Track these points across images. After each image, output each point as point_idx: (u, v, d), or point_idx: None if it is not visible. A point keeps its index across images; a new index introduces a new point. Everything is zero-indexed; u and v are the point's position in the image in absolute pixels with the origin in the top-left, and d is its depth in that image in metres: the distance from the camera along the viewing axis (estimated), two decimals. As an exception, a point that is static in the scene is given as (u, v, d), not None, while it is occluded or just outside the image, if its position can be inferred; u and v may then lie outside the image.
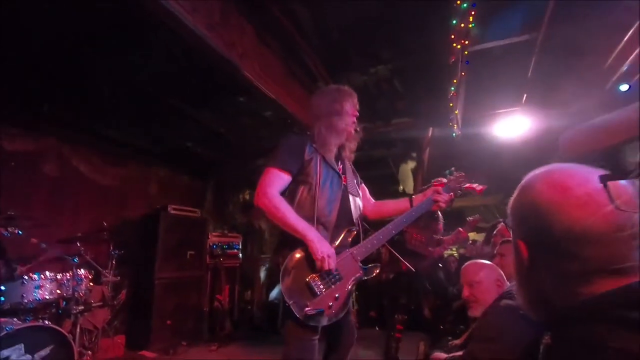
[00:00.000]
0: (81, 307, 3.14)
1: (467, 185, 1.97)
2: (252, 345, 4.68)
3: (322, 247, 1.54)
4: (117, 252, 3.86)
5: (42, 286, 2.85)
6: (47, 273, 2.94)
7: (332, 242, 1.65)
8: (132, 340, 4.09)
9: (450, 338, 3.93)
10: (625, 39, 3.23)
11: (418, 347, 4.12)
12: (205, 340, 4.60)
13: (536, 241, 0.69)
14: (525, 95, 4.38)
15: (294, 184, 1.70)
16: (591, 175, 0.66)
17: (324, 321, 1.55)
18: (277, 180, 1.65)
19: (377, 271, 1.71)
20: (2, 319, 2.51)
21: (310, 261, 1.56)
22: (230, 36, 2.88)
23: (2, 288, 2.70)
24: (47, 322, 2.68)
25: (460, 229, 3.74)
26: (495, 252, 2.39)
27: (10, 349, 2.30)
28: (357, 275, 1.66)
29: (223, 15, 2.78)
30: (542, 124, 4.54)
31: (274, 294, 6.01)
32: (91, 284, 3.35)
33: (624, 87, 3.60)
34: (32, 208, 3.69)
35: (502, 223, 2.94)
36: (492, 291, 1.70)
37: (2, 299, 2.69)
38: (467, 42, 3.16)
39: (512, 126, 4.74)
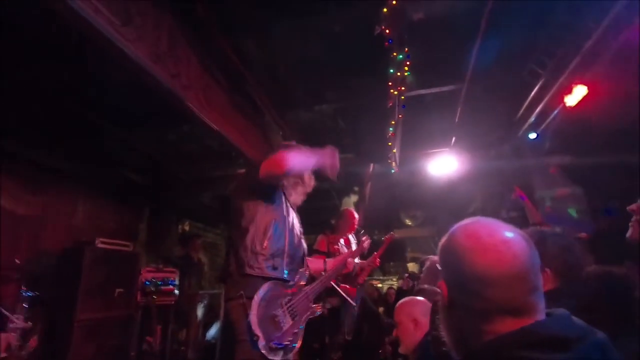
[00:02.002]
0: (-22, 361, 2.69)
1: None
2: (185, 392, 4.30)
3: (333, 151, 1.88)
4: (29, 292, 3.41)
5: None
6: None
7: (292, 278, 1.79)
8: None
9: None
10: (532, 94, 3.77)
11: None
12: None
13: (452, 282, 0.79)
14: (453, 138, 4.85)
15: (266, 214, 1.77)
16: (502, 228, 0.78)
17: (280, 355, 1.60)
18: (293, 149, 1.86)
19: (319, 311, 1.88)
20: None
21: (276, 297, 1.65)
22: (176, 66, 2.85)
23: None
24: None
25: (375, 253, 3.89)
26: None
27: None
28: (309, 312, 1.80)
29: (170, 45, 2.76)
30: (468, 164, 5.03)
31: (211, 332, 5.66)
32: (-6, 331, 2.90)
33: (532, 136, 4.16)
34: None
35: (429, 260, 3.15)
36: (410, 331, 1.77)
37: None
38: (403, 89, 3.46)
39: (443, 165, 5.20)
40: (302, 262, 1.92)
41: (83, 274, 3.86)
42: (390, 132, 4.08)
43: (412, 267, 8.24)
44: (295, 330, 1.69)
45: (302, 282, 1.86)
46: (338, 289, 3.29)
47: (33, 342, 3.54)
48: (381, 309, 5.01)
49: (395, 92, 3.42)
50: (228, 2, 2.77)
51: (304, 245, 1.99)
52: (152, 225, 5.69)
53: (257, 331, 1.54)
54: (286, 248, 1.76)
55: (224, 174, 5.48)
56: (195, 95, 3.14)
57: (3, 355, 3.04)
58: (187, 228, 6.34)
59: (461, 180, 5.29)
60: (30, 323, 3.40)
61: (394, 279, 7.88)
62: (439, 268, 0.86)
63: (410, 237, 8.99)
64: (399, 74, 3.25)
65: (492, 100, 4.14)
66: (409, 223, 8.37)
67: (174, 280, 5.02)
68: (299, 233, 1.93)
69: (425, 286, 2.17)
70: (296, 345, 1.69)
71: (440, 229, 7.58)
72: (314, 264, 2.15)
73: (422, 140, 4.92)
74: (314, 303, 1.88)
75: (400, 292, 4.83)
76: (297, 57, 3.41)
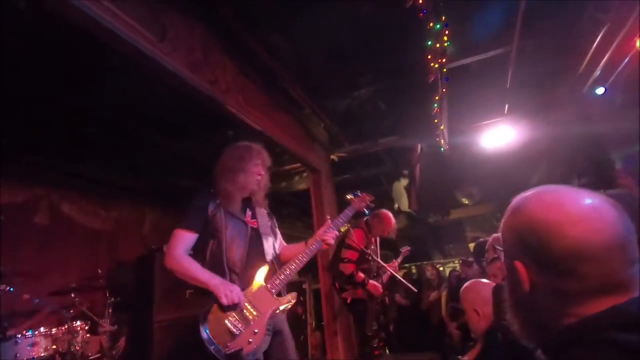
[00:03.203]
0: (78, 361, 3.02)
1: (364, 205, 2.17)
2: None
3: (224, 287, 1.67)
4: (113, 299, 3.76)
5: (36, 343, 2.76)
6: (41, 329, 2.84)
7: (246, 283, 1.79)
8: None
9: (459, 357, 3.86)
10: (595, 44, 3.35)
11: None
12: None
13: (535, 262, 0.69)
14: (507, 106, 4.49)
15: (203, 240, 1.84)
16: (584, 195, 0.69)
17: (249, 357, 1.65)
18: (181, 240, 1.80)
19: (293, 300, 1.86)
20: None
21: (226, 307, 1.67)
22: (213, 73, 2.93)
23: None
24: (42, 381, 2.58)
25: (394, 261, 3.79)
26: (489, 273, 2.38)
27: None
28: (274, 307, 1.78)
29: (204, 53, 2.83)
30: (526, 132, 4.63)
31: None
32: (88, 335, 3.24)
33: (600, 91, 3.71)
34: (23, 261, 3.61)
35: (489, 240, 2.94)
36: (474, 319, 1.71)
37: (-5, 360, 2.59)
38: (444, 60, 3.25)
39: (498, 136, 4.83)
40: (263, 261, 1.88)
41: (156, 278, 4.16)
42: (435, 108, 3.87)
43: (473, 247, 7.87)
44: (256, 330, 1.69)
45: (260, 280, 1.83)
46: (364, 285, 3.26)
47: (122, 343, 3.91)
48: (444, 293, 4.83)
49: (436, 65, 3.21)
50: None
51: (269, 243, 1.96)
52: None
53: (209, 344, 1.62)
54: (225, 263, 1.78)
55: (272, 172, 5.58)
56: (235, 98, 3.21)
57: (97, 355, 3.39)
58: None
59: (520, 150, 4.89)
60: (116, 326, 3.74)
61: (456, 261, 7.56)
62: (499, 248, 0.78)
63: (469, 216, 8.57)
64: (437, 45, 3.05)
65: (547, 59, 3.75)
66: (466, 202, 7.96)
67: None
68: (249, 238, 1.88)
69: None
70: (259, 343, 1.69)
71: (500, 205, 7.13)
72: (293, 249, 2.07)
73: (471, 112, 4.61)
74: (283, 294, 1.86)
75: (460, 279, 4.62)
76: (327, 45, 3.34)
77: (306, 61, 3.49)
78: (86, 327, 3.18)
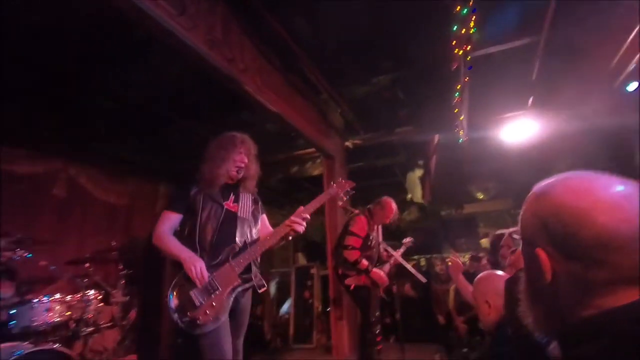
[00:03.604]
0: (91, 329, 3.12)
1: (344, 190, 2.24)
2: (264, 362, 4.59)
3: (192, 261, 1.82)
4: (125, 271, 3.85)
5: (51, 309, 2.84)
6: (57, 295, 2.93)
7: (212, 259, 1.90)
8: (144, 360, 4.05)
9: (466, 350, 3.85)
10: (630, 38, 3.18)
11: (433, 357, 4.04)
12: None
13: (560, 249, 0.65)
14: (531, 98, 4.33)
15: (184, 220, 2.00)
16: (614, 181, 0.65)
17: (208, 327, 1.78)
18: (166, 220, 1.99)
19: (255, 279, 1.96)
20: (12, 343, 2.50)
21: (192, 280, 1.81)
22: (231, 52, 2.90)
23: (12, 312, 2.70)
24: (57, 344, 2.67)
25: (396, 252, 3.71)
26: (506, 264, 2.32)
27: (20, 373, 2.28)
28: (236, 283, 1.89)
29: (224, 31, 2.81)
30: (550, 127, 4.47)
31: (284, 308, 5.95)
32: (101, 304, 3.33)
33: (633, 86, 3.53)
34: (41, 230, 3.72)
35: (506, 234, 2.87)
36: (485, 311, 1.68)
37: (12, 322, 2.69)
38: (468, 48, 3.14)
39: (519, 130, 4.68)
40: (233, 242, 1.97)
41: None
42: (456, 98, 3.76)
43: (485, 243, 7.76)
44: (214, 303, 1.80)
45: (227, 258, 1.93)
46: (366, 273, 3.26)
47: (133, 314, 4.02)
48: (452, 287, 4.78)
49: (460, 52, 3.11)
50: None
51: (244, 227, 2.05)
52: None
53: (174, 313, 1.78)
54: (197, 239, 1.92)
55: (286, 157, 5.58)
56: (252, 78, 3.18)
57: (109, 324, 3.49)
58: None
59: (542, 146, 4.74)
60: (128, 298, 3.85)
61: (466, 256, 7.48)
62: (517, 237, 0.74)
63: (483, 212, 8.42)
64: (463, 31, 2.94)
65: (577, 50, 3.59)
66: (481, 197, 7.82)
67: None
68: (222, 219, 1.99)
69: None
70: (216, 314, 1.80)
71: (516, 202, 6.97)
72: (268, 234, 2.15)
73: (494, 103, 4.47)
74: (247, 272, 1.94)
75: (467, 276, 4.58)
76: (348, 30, 3.25)
77: (326, 46, 3.42)
78: (99, 297, 3.26)
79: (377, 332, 3.27)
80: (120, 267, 3.86)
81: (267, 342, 5.32)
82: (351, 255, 3.22)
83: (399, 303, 3.93)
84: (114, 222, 4.52)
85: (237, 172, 2.08)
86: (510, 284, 1.53)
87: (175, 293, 1.83)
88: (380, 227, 3.64)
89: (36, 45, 2.82)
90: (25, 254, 2.78)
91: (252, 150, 2.16)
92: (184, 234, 1.98)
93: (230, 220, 2.01)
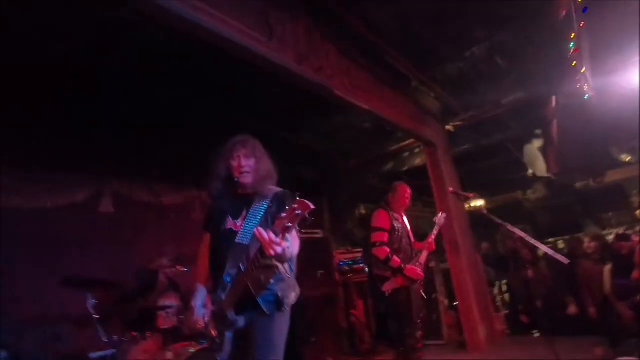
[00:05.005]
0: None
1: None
2: (395, 359, 4.58)
3: (191, 317, 1.71)
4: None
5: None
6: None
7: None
8: (285, 358, 4.43)
9: (636, 340, 3.21)
10: None
11: (593, 352, 3.45)
12: (347, 355, 4.70)
13: None
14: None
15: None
16: None
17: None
18: (203, 238, 1.90)
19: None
20: (184, 343, 3.02)
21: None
22: (318, 60, 3.03)
23: (181, 317, 3.27)
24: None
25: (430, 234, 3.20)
26: None
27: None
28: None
29: (308, 42, 2.95)
30: None
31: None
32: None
33: None
34: (188, 249, 4.42)
35: None
36: None
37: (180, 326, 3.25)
38: (577, -13, 2.70)
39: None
40: (223, 268, 1.67)
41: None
42: (572, 49, 3.23)
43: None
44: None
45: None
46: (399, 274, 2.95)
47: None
48: (607, 267, 4.04)
49: (568, -5, 2.69)
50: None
51: (245, 245, 1.68)
52: (333, 213, 6.30)
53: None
54: (211, 262, 1.78)
55: (384, 152, 5.55)
56: (340, 81, 3.27)
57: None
58: (363, 211, 6.72)
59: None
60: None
61: (621, 230, 6.23)
62: None
63: (632, 177, 6.94)
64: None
65: None
66: (626, 159, 6.45)
67: (362, 260, 5.41)
68: (227, 237, 1.71)
69: None
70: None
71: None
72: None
73: (621, 45, 3.69)
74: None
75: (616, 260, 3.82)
76: (430, 6, 3.10)
77: (408, 29, 3.32)
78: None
79: (419, 337, 2.97)
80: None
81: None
82: (380, 252, 3.01)
83: (538, 291, 3.51)
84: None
85: (243, 178, 1.79)
86: None
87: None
88: (405, 216, 3.33)
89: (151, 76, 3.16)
90: (183, 269, 3.34)
91: (253, 150, 1.86)
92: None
93: (229, 245, 1.69)
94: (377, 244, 3.06)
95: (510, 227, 3.20)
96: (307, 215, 1.38)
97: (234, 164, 1.81)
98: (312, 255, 4.87)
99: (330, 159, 5.25)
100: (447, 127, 5.02)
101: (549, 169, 5.87)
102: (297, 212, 1.38)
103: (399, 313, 3.05)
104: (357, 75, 3.52)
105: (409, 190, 3.32)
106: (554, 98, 4.48)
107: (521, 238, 3.20)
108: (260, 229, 1.45)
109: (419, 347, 2.99)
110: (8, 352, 2.88)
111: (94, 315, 2.86)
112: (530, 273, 3.40)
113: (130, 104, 3.25)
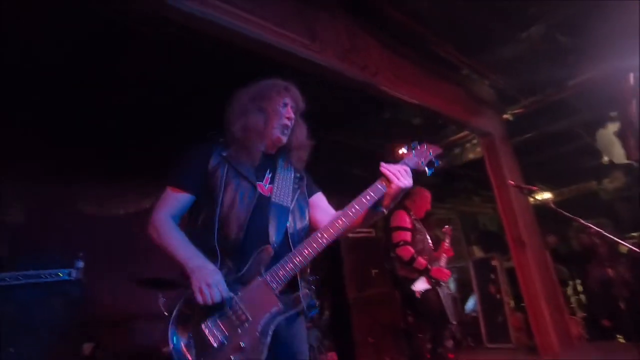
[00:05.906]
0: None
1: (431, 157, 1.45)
2: (458, 361, 4.38)
3: (202, 275, 1.20)
4: (314, 276, 4.35)
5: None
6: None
7: (236, 269, 1.28)
8: (343, 358, 4.44)
9: None
10: None
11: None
12: (408, 357, 4.58)
13: None
14: None
15: (198, 203, 1.38)
16: None
17: None
18: (168, 200, 1.36)
19: (304, 300, 1.30)
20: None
21: (203, 306, 1.20)
22: (360, 56, 2.99)
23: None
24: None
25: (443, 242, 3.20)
26: None
27: None
28: (274, 309, 1.23)
29: (350, 39, 2.93)
30: None
31: (469, 306, 5.57)
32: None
33: None
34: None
35: None
36: None
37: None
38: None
39: None
40: (266, 242, 1.30)
41: (345, 259, 4.62)
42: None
43: None
44: (242, 342, 1.17)
45: (258, 268, 1.28)
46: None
47: (326, 315, 4.51)
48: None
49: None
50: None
51: (282, 218, 1.38)
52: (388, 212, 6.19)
53: (182, 357, 1.16)
54: (216, 237, 1.30)
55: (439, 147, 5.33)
56: (385, 77, 3.21)
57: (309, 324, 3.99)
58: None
59: None
60: (319, 300, 4.33)
61: None
62: None
63: None
64: None
65: None
66: None
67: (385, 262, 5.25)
68: (253, 207, 1.34)
69: None
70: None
71: None
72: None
73: None
74: (286, 293, 1.27)
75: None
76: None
77: (453, 14, 3.14)
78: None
79: (450, 346, 2.75)
80: (309, 271, 4.38)
81: (458, 342, 5.06)
82: (405, 252, 2.86)
83: (620, 292, 3.15)
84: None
85: (283, 132, 1.45)
86: None
87: (178, 330, 1.21)
88: (421, 222, 3.27)
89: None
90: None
91: (299, 104, 1.52)
92: (197, 226, 1.35)
93: (264, 210, 1.35)
94: (401, 244, 2.99)
95: (581, 222, 2.91)
96: (435, 159, 1.45)
97: (281, 110, 1.45)
98: (366, 254, 4.84)
99: (380, 156, 5.16)
100: (505, 115, 4.70)
101: (628, 155, 5.22)
102: (429, 150, 1.44)
103: (432, 315, 2.95)
104: (402, 69, 3.43)
105: (429, 195, 3.28)
106: (631, 75, 4.00)
107: (598, 232, 2.89)
108: (383, 163, 1.35)
109: (451, 357, 2.92)
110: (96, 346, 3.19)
111: (165, 313, 3.14)
112: (610, 272, 3.06)
113: (194, 112, 3.42)
